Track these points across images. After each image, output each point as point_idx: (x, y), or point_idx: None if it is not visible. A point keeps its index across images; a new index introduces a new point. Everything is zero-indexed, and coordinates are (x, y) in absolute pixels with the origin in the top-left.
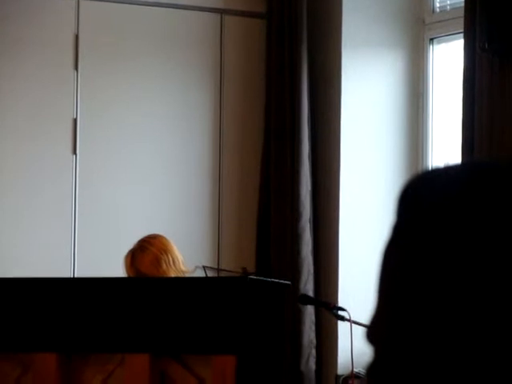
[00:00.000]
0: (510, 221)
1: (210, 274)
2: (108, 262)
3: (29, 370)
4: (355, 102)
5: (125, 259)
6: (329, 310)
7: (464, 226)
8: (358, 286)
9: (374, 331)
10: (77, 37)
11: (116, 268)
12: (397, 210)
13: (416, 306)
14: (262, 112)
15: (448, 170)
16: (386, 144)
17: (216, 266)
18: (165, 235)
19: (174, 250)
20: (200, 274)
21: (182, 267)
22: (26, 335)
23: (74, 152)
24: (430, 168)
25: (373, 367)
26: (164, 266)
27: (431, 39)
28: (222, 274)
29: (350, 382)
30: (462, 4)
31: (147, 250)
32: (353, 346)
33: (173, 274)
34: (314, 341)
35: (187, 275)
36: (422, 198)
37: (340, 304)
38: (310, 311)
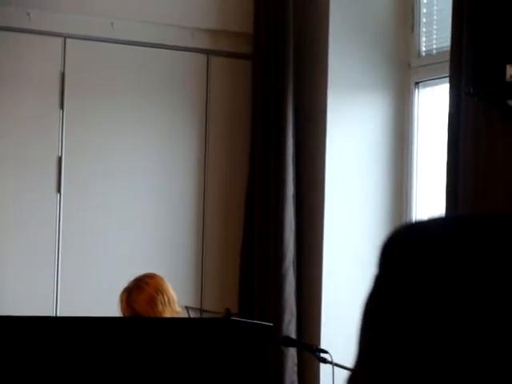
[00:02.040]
0: (492, 275)
1: (193, 314)
2: (91, 298)
3: None
4: (340, 144)
5: (120, 297)
6: (311, 352)
7: (446, 278)
8: (340, 329)
9: (354, 380)
10: (63, 75)
11: (99, 305)
12: (379, 260)
13: (395, 360)
14: (247, 152)
15: (430, 223)
16: (370, 186)
17: (199, 307)
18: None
19: (170, 289)
20: (183, 314)
21: (177, 308)
22: (5, 376)
23: (59, 190)
24: (412, 220)
25: None
26: (160, 306)
27: (417, 83)
28: (205, 315)
29: None
30: (448, 48)
31: (143, 290)
32: None
33: (168, 315)
34: (296, 383)
35: (180, 315)
36: (404, 250)
37: (322, 346)
38: (292, 353)
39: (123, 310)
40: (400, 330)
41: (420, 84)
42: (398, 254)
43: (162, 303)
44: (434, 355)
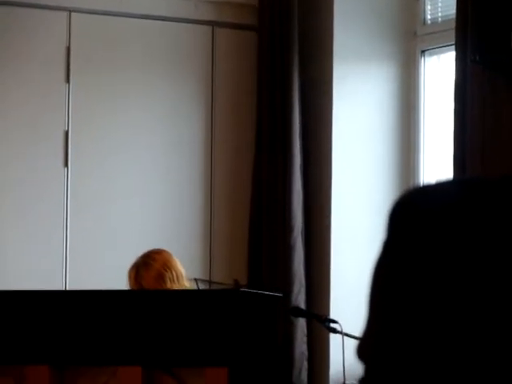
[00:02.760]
0: (499, 235)
1: (202, 286)
2: (99, 273)
3: (22, 382)
4: (346, 114)
5: (129, 274)
6: (320, 323)
7: (454, 240)
8: (349, 299)
9: (364, 347)
10: (68, 49)
11: (108, 280)
12: (387, 225)
13: (406, 322)
14: (254, 125)
15: (438, 187)
16: (378, 156)
17: (207, 279)
18: (166, 249)
19: (178, 265)
20: (191, 288)
21: (185, 283)
22: (18, 348)
23: (66, 164)
24: (420, 184)
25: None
26: (168, 282)
27: (423, 51)
28: (214, 287)
29: None
30: (454, 16)
31: (151, 266)
32: (344, 359)
33: None
34: (306, 353)
35: None
36: (412, 213)
37: (332, 316)
38: (301, 323)
39: (132, 286)
40: (409, 294)
41: (426, 52)
42: (405, 218)
43: (170, 279)
44: (444, 318)
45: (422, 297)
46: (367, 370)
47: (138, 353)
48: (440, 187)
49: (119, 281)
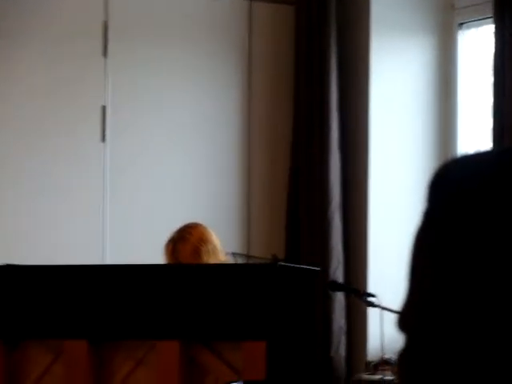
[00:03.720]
0: None
1: (240, 260)
2: (138, 248)
3: (60, 357)
4: (384, 87)
5: (165, 248)
6: (358, 297)
7: (495, 209)
8: (387, 272)
9: (405, 318)
10: (106, 24)
11: (147, 255)
12: (428, 195)
13: (448, 292)
14: (291, 99)
15: (476, 157)
16: (415, 130)
17: (246, 253)
18: (203, 223)
19: (214, 239)
20: (229, 262)
21: (221, 256)
22: (57, 322)
23: (103, 140)
24: (459, 155)
25: (404, 355)
26: (204, 256)
27: (460, 24)
28: (252, 261)
29: (380, 368)
30: None
31: (187, 241)
32: (383, 332)
33: None
34: (344, 327)
35: None
36: (453, 183)
37: (369, 290)
38: (339, 298)
39: (168, 260)
40: (450, 264)
41: (463, 25)
42: (444, 188)
43: (206, 253)
44: (487, 287)
45: (464, 266)
46: (408, 341)
47: (176, 327)
48: (478, 157)
49: (156, 255)
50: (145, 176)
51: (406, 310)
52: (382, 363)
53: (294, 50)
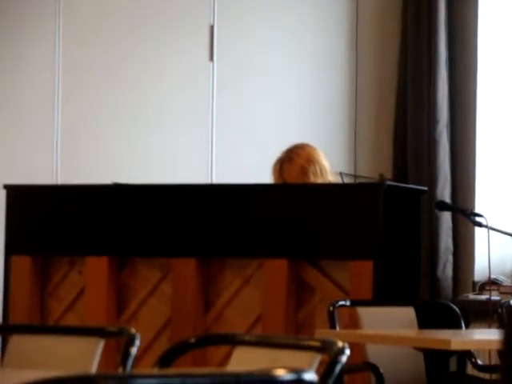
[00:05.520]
0: None
1: (347, 180)
2: (247, 169)
3: (168, 274)
4: (493, 5)
5: (273, 168)
6: (466, 216)
7: None
8: (495, 192)
9: None
10: None
11: (252, 174)
12: None
13: None
14: (399, 15)
15: None
16: None
17: (353, 173)
18: (311, 143)
19: (322, 159)
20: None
21: (329, 177)
22: (166, 241)
23: (211, 59)
24: None
25: None
26: (312, 176)
27: None
28: (359, 181)
29: (487, 288)
30: None
31: (294, 161)
32: (490, 253)
33: None
34: (451, 247)
35: None
36: None
37: (477, 210)
38: (446, 217)
39: (276, 180)
40: None
41: None
42: None
43: (313, 174)
44: None
45: None
46: None
47: (284, 245)
48: None
49: (265, 175)
50: (252, 94)
51: None
52: (489, 283)
53: None
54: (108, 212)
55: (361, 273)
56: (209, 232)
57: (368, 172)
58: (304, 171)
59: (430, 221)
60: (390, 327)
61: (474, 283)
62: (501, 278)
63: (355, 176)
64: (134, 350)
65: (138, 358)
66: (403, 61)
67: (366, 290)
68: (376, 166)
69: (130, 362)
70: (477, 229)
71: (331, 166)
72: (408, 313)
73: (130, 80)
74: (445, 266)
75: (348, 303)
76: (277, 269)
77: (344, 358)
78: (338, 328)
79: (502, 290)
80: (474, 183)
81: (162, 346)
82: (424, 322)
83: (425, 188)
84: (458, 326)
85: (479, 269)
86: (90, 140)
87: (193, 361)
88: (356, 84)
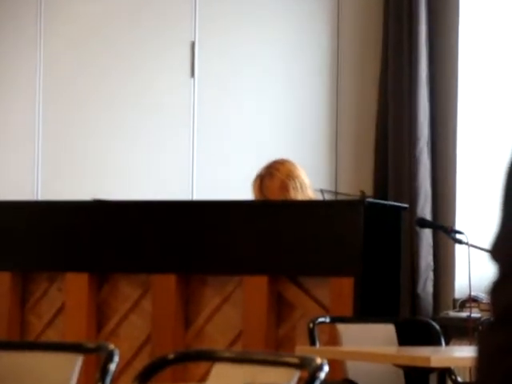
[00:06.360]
0: None
1: (327, 197)
2: (227, 184)
3: (149, 290)
4: (474, 12)
5: (253, 184)
6: (446, 234)
7: None
8: (475, 209)
9: (498, 248)
10: None
11: (234, 190)
12: None
13: None
14: (380, 32)
15: None
16: (506, 65)
17: (333, 190)
18: (291, 159)
19: (302, 174)
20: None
21: (310, 193)
22: (146, 257)
23: (193, 75)
24: None
25: (496, 285)
26: (292, 191)
27: None
28: (340, 197)
29: (467, 305)
30: None
31: (275, 177)
32: (470, 270)
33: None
34: (432, 264)
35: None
36: None
37: (457, 227)
38: (427, 235)
39: (256, 196)
40: None
41: None
42: None
43: (294, 188)
44: None
45: None
46: (501, 271)
47: (264, 262)
48: None
49: (245, 191)
50: (233, 112)
51: (499, 239)
52: (470, 300)
53: None
54: (88, 228)
55: (341, 289)
56: (189, 249)
57: (349, 189)
58: (284, 186)
59: (410, 238)
60: (370, 344)
61: (455, 300)
62: (481, 295)
63: (336, 193)
64: (112, 367)
65: (118, 374)
66: (384, 78)
67: (347, 307)
68: (357, 183)
69: (108, 378)
70: (457, 246)
71: (312, 182)
72: (388, 330)
73: (111, 96)
74: (425, 283)
75: (328, 320)
76: (257, 286)
77: (323, 375)
78: (318, 345)
79: (482, 307)
80: (454, 200)
81: (142, 362)
82: (404, 339)
83: (405, 205)
84: (438, 343)
85: (460, 286)
86: (71, 156)
87: (173, 377)
88: (337, 101)
